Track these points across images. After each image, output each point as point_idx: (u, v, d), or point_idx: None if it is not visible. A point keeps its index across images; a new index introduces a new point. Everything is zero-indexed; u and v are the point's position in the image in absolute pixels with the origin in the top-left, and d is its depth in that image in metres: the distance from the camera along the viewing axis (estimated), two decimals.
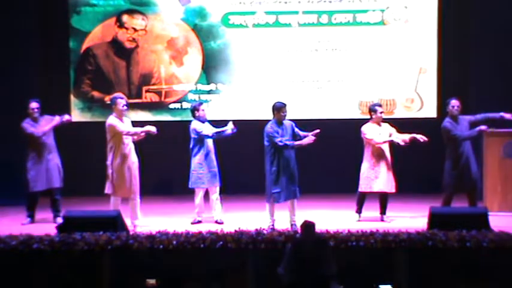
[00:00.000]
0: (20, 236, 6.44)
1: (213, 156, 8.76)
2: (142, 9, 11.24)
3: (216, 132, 8.68)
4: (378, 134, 8.76)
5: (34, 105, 8.83)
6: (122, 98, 8.53)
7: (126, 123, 8.43)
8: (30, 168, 8.80)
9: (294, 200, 8.39)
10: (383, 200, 8.89)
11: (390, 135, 8.75)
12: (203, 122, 8.81)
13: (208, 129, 8.72)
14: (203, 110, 8.82)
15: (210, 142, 8.77)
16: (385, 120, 9.07)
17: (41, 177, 8.80)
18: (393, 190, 8.79)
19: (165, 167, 10.50)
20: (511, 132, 9.25)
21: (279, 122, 8.40)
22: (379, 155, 8.75)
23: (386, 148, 8.78)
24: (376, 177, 8.75)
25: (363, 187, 8.81)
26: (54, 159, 8.89)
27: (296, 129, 8.46)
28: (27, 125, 8.62)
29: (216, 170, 8.77)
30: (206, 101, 9.52)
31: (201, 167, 8.70)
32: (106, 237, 6.39)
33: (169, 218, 9.03)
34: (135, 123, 8.71)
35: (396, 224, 8.27)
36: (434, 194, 9.12)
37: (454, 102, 8.66)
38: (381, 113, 8.81)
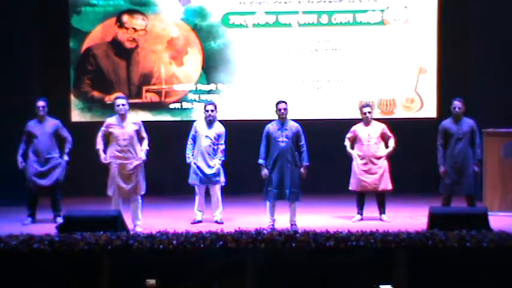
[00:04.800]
0: (20, 236, 6.43)
1: (206, 156, 8.74)
2: (143, 9, 11.24)
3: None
4: (367, 134, 8.81)
5: (40, 103, 8.85)
6: (119, 98, 8.54)
7: (128, 123, 8.40)
8: (29, 171, 8.82)
9: (295, 201, 8.39)
10: (380, 199, 8.91)
11: (383, 134, 8.84)
12: (207, 122, 8.80)
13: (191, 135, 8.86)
14: (207, 111, 8.81)
15: (204, 142, 8.75)
16: (381, 120, 9.11)
17: (39, 178, 8.82)
18: (387, 187, 8.80)
19: (165, 167, 10.49)
20: (511, 132, 9.26)
21: (281, 121, 8.41)
22: (367, 156, 8.77)
23: (377, 147, 8.79)
24: (366, 176, 8.77)
25: (353, 186, 8.85)
26: (52, 164, 8.88)
27: (299, 135, 8.42)
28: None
29: (214, 171, 8.73)
30: (211, 101, 9.46)
31: (193, 166, 8.76)
32: (106, 237, 6.38)
33: (169, 218, 9.03)
34: None
35: (396, 224, 8.27)
36: (434, 194, 9.12)
37: (456, 103, 8.66)
38: (365, 114, 8.84)
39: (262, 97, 11.01)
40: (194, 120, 9.19)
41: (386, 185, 8.82)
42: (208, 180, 8.74)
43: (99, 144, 8.38)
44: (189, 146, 8.82)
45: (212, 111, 8.79)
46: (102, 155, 8.35)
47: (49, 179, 8.84)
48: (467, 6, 10.84)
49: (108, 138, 8.42)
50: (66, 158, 8.95)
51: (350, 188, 8.92)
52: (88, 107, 11.30)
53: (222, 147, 8.81)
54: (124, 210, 7.82)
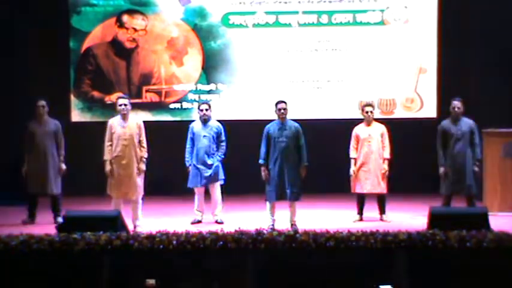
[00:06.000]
0: (20, 236, 6.44)
1: (205, 156, 8.73)
2: (143, 9, 11.24)
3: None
4: (367, 134, 8.80)
5: (40, 103, 8.86)
6: (121, 98, 8.53)
7: (130, 123, 8.37)
8: (29, 170, 8.82)
9: (295, 201, 8.39)
10: (380, 200, 8.91)
11: (382, 135, 8.80)
12: (203, 121, 8.80)
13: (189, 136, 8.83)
14: (201, 110, 8.81)
15: (202, 142, 8.75)
16: (381, 120, 9.10)
17: (37, 180, 8.81)
18: (384, 191, 8.78)
19: (165, 167, 10.49)
20: (511, 132, 9.25)
21: (281, 121, 8.40)
22: (368, 156, 8.76)
23: (376, 149, 8.78)
24: (366, 178, 8.76)
25: (355, 188, 8.84)
26: (52, 164, 8.87)
27: (299, 135, 8.41)
28: None
29: (213, 170, 8.72)
30: (206, 100, 9.50)
31: (192, 167, 8.75)
32: (106, 237, 6.38)
33: (169, 218, 9.03)
34: None
35: (396, 224, 8.27)
36: (434, 194, 9.12)
37: (455, 104, 8.66)
38: (367, 112, 8.83)
39: (262, 97, 11.01)
40: (194, 120, 9.18)
41: (383, 189, 8.80)
42: (208, 180, 8.74)
43: (107, 155, 8.32)
44: (187, 150, 8.81)
45: (206, 110, 8.78)
46: (108, 167, 8.31)
47: (48, 187, 8.83)
48: (467, 6, 10.84)
49: (111, 139, 8.39)
50: (63, 167, 8.93)
51: (352, 191, 8.90)
52: (88, 107, 11.30)
53: (223, 144, 8.81)
54: (124, 210, 7.81)
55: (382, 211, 8.90)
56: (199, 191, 8.83)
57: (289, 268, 6.30)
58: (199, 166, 8.71)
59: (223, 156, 8.81)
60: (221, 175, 8.82)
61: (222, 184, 8.89)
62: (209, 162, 8.72)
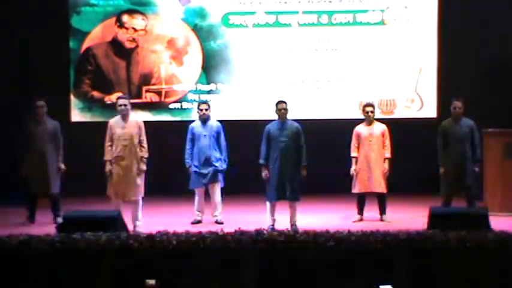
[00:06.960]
0: (20, 236, 6.43)
1: (206, 156, 8.71)
2: (142, 9, 11.25)
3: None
4: (368, 133, 8.79)
5: (40, 103, 8.85)
6: (121, 98, 8.51)
7: (130, 123, 8.34)
8: (28, 170, 8.82)
9: (295, 201, 8.39)
10: (380, 200, 8.90)
11: (383, 135, 8.79)
12: (202, 121, 8.80)
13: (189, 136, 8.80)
14: (201, 110, 8.81)
15: (202, 142, 8.73)
16: (381, 120, 9.10)
17: (37, 180, 8.81)
18: (384, 191, 8.77)
19: (165, 167, 10.49)
20: (511, 132, 9.25)
21: (281, 121, 8.40)
22: (369, 155, 8.76)
23: (376, 148, 8.78)
24: (368, 177, 8.76)
25: (356, 188, 8.83)
26: (51, 164, 8.87)
27: (300, 135, 8.39)
28: None
29: (211, 171, 8.72)
30: (205, 100, 9.51)
31: (192, 167, 8.75)
32: (106, 237, 6.38)
33: (169, 218, 9.03)
34: None
35: (396, 224, 8.28)
36: (434, 194, 9.12)
37: (456, 103, 8.66)
38: (367, 112, 8.82)
39: (262, 97, 11.01)
40: (194, 120, 9.18)
41: (383, 188, 8.80)
42: (208, 180, 8.73)
43: (107, 155, 8.29)
44: (187, 151, 8.80)
45: (206, 110, 8.77)
46: (108, 167, 8.29)
47: (47, 187, 8.83)
48: (467, 6, 10.85)
49: (111, 139, 8.38)
50: (62, 167, 8.93)
51: (353, 190, 8.89)
52: (88, 107, 11.31)
53: (224, 149, 8.78)
54: (124, 210, 7.81)
55: (382, 211, 8.90)
56: (199, 192, 8.82)
57: (289, 268, 6.30)
58: (199, 167, 8.71)
59: (225, 166, 8.78)
60: (220, 178, 8.81)
61: (222, 187, 8.87)
62: (209, 162, 8.71)
